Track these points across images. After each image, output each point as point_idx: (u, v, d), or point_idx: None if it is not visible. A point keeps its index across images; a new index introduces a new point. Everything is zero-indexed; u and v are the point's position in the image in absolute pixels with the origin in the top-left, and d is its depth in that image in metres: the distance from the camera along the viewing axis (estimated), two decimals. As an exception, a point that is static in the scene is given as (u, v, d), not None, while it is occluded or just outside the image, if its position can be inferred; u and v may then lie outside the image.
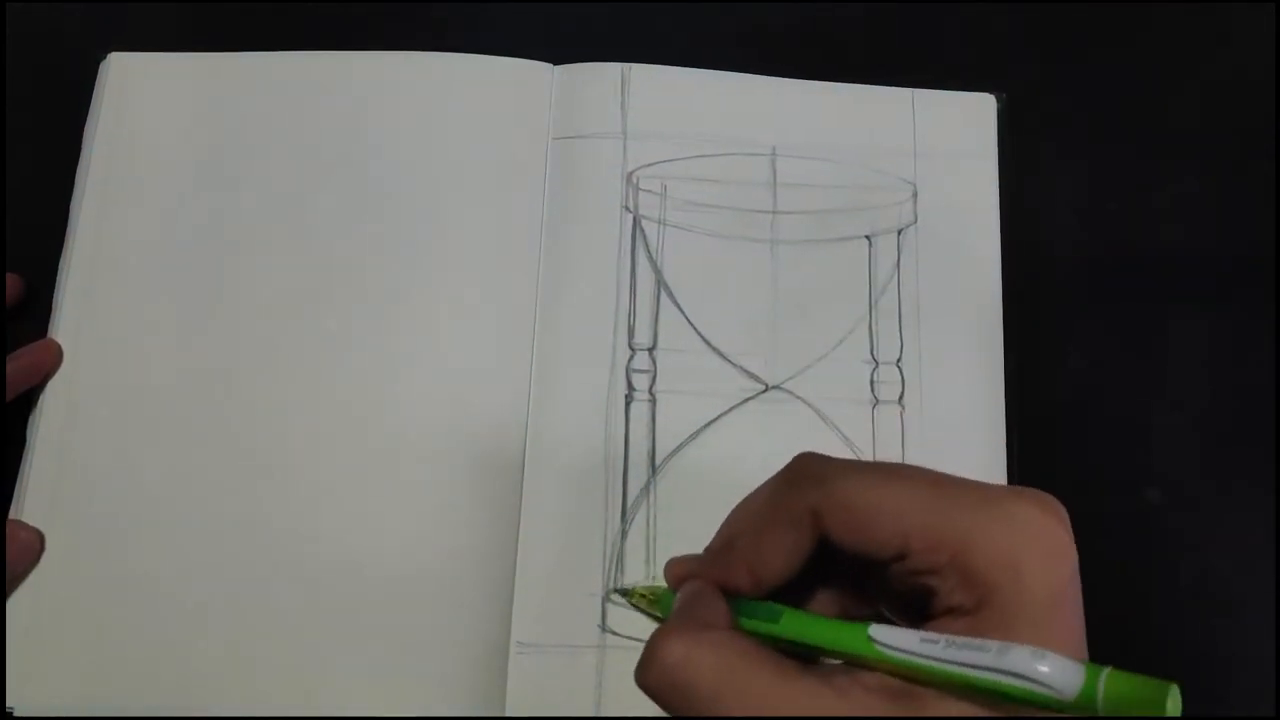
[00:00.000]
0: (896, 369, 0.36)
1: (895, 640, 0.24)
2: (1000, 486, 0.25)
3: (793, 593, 0.27)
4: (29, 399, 0.36)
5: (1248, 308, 0.39)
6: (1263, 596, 0.35)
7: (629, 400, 0.36)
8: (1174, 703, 0.20)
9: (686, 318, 0.36)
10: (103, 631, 0.33)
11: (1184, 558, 0.36)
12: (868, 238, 0.37)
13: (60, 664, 0.33)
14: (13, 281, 0.37)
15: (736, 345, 0.36)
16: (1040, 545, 0.24)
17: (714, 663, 0.25)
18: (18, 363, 0.35)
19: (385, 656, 0.33)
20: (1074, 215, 0.39)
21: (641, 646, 0.33)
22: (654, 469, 0.35)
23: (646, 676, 0.26)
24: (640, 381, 0.36)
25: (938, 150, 0.39)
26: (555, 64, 0.39)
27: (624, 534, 0.35)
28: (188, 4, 0.41)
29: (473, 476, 0.35)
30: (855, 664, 0.25)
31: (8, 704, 0.32)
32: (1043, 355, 0.38)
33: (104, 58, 0.39)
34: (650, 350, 0.36)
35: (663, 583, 0.32)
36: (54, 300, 0.37)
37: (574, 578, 0.34)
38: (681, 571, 0.30)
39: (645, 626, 0.33)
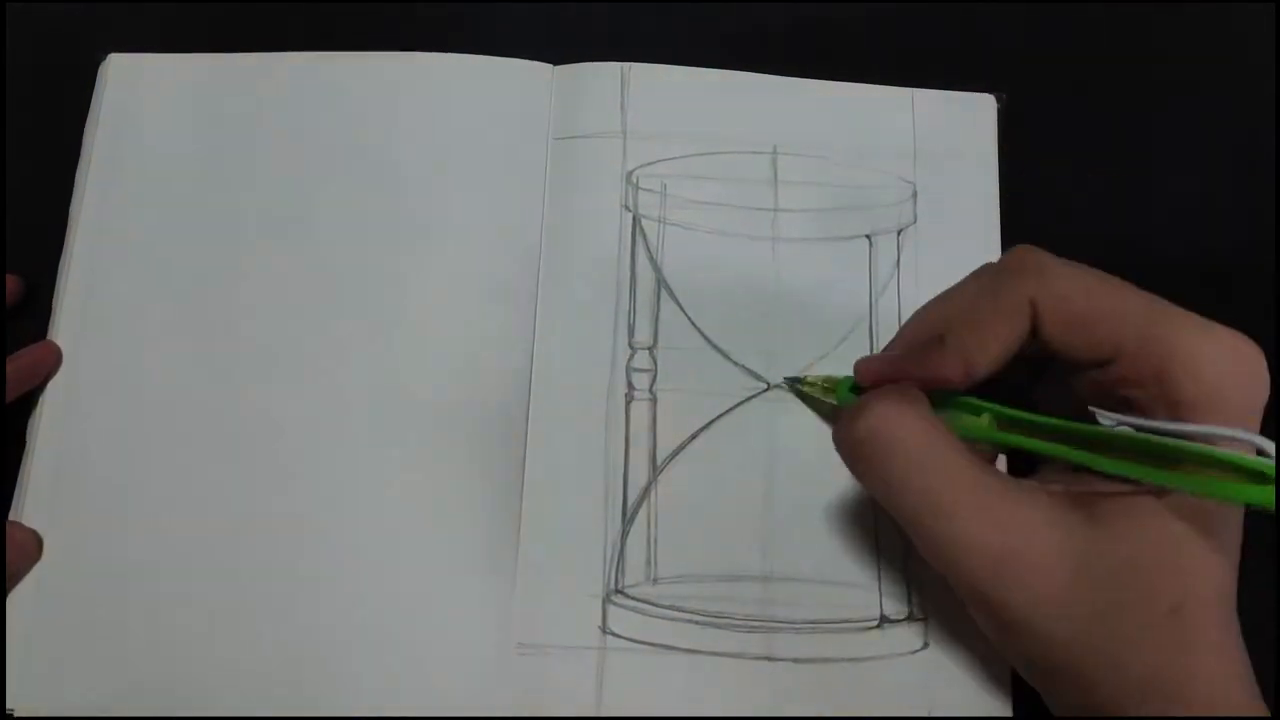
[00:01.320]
0: (897, 368, 0.36)
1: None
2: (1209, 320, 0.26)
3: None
4: (29, 400, 0.36)
5: (1248, 307, 0.39)
6: (1263, 596, 0.35)
7: (630, 399, 0.36)
8: None
9: (687, 316, 0.36)
10: (104, 632, 0.33)
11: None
12: (868, 237, 0.37)
13: (61, 665, 0.33)
14: (12, 281, 0.37)
15: (738, 343, 0.36)
16: (1244, 370, 0.25)
17: (923, 431, 0.26)
18: (17, 363, 0.35)
19: (386, 658, 0.33)
20: (1074, 214, 0.39)
21: (643, 648, 0.33)
22: (655, 468, 0.35)
23: (856, 425, 0.27)
24: (641, 380, 0.36)
25: (937, 150, 0.39)
26: (554, 64, 0.39)
27: (625, 534, 0.34)
28: (188, 4, 0.41)
29: (472, 476, 0.35)
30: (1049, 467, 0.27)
31: (8, 705, 0.32)
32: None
33: (104, 58, 0.39)
34: (651, 349, 0.36)
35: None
36: (54, 302, 0.37)
37: (575, 579, 0.34)
38: (879, 369, 0.30)
39: (647, 628, 0.33)
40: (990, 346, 0.27)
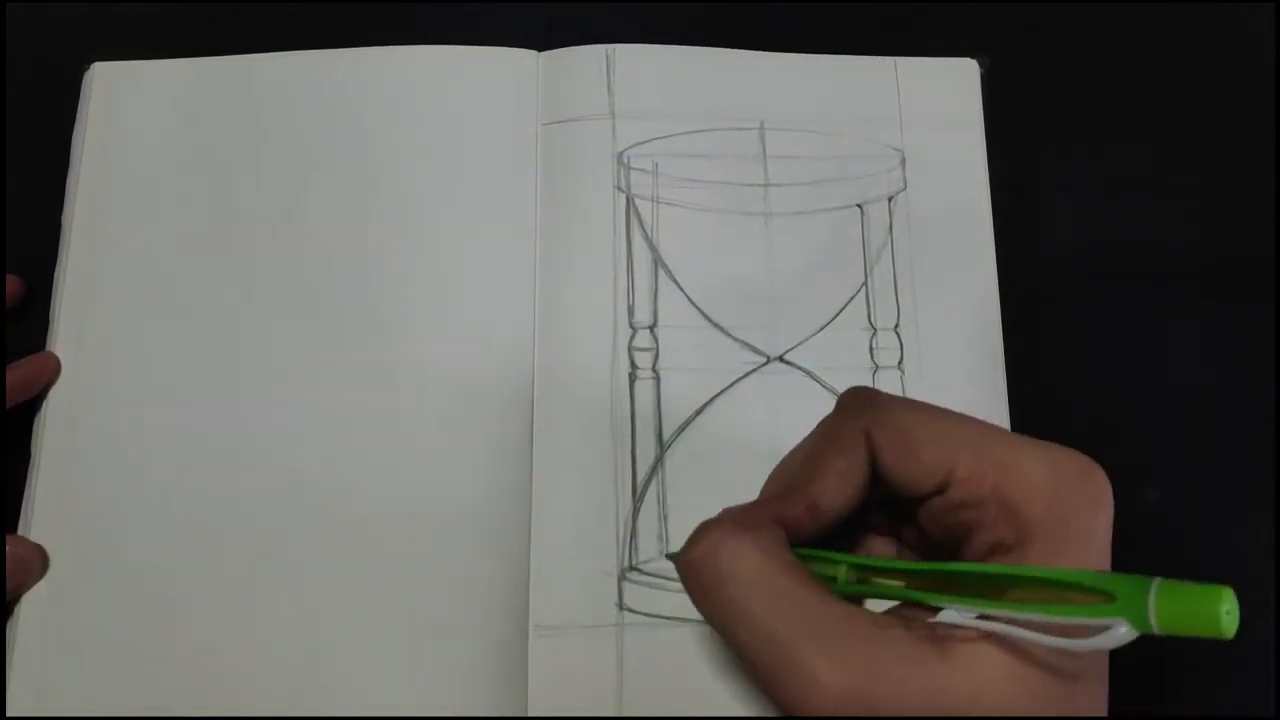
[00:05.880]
0: (895, 335, 0.37)
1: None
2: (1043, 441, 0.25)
3: (832, 546, 0.27)
4: (30, 413, 0.36)
5: (1248, 307, 0.38)
6: (1263, 596, 0.35)
7: (633, 378, 0.36)
8: (1229, 609, 0.20)
9: (685, 294, 0.37)
10: (113, 644, 0.33)
11: (1184, 558, 0.35)
12: (860, 206, 0.38)
13: (70, 676, 0.33)
14: (13, 282, 0.37)
15: (736, 319, 0.36)
16: (1084, 490, 0.24)
17: (760, 559, 0.25)
18: (16, 373, 0.35)
19: (404, 650, 0.33)
20: (1061, 183, 0.40)
21: (660, 623, 0.33)
22: (662, 445, 0.35)
23: (690, 552, 0.26)
24: (643, 359, 0.36)
25: (923, 117, 0.39)
26: (539, 50, 0.39)
27: (636, 511, 0.35)
28: (171, 9, 0.41)
29: (482, 463, 0.35)
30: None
31: (8, 714, 0.32)
32: (1042, 315, 0.38)
33: (88, 67, 0.39)
34: (651, 328, 0.36)
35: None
36: (50, 313, 0.37)
37: (589, 558, 0.34)
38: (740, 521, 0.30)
39: (663, 603, 0.34)
40: (831, 484, 0.26)
